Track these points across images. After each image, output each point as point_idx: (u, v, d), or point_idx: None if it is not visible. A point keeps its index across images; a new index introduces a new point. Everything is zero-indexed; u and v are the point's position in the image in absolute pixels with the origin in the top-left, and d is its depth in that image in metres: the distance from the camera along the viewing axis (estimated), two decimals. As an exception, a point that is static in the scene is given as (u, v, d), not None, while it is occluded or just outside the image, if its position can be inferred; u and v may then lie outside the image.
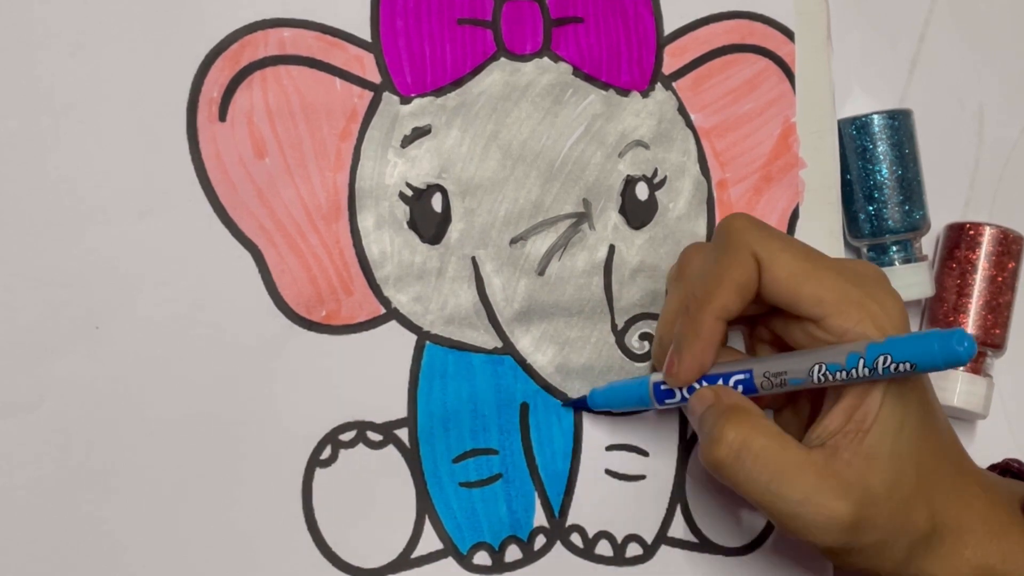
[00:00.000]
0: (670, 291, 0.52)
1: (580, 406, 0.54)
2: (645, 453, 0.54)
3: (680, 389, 0.49)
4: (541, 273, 0.53)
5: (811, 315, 0.46)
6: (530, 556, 0.53)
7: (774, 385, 0.47)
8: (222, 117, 0.49)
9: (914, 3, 0.61)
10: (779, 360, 0.47)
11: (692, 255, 0.51)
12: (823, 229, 0.56)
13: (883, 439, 0.45)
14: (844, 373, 0.45)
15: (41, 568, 0.48)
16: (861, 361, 0.44)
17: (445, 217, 0.52)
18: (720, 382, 0.48)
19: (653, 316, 0.54)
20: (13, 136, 0.47)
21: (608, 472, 0.54)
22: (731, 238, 0.47)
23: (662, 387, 0.50)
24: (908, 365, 0.43)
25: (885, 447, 0.45)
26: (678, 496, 0.55)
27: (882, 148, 0.57)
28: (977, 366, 0.58)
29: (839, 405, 0.46)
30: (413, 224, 0.52)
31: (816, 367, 0.46)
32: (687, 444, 0.55)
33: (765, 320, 0.50)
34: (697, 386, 0.49)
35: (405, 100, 0.52)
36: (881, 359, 0.44)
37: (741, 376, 0.48)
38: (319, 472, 0.51)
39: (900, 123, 0.57)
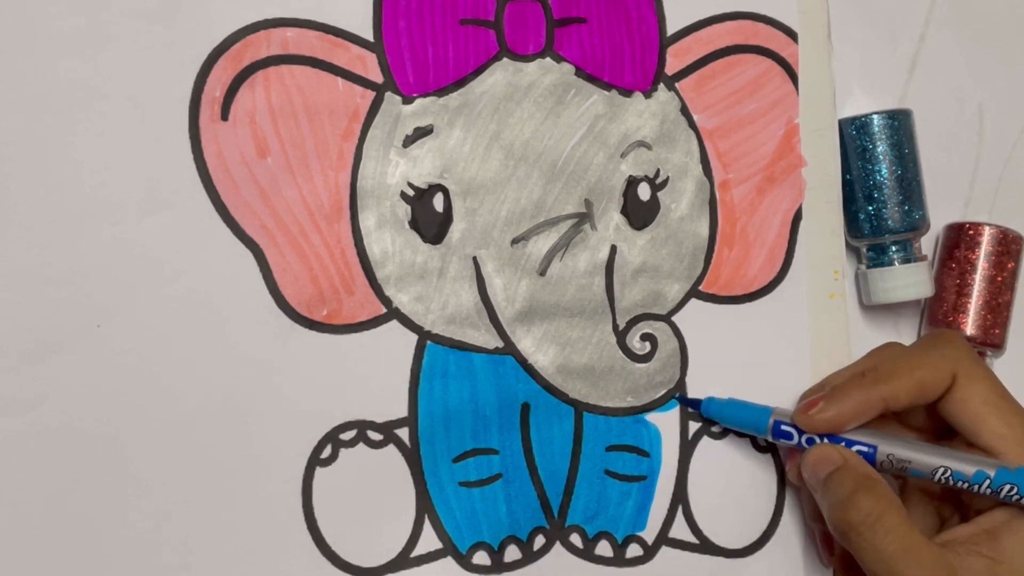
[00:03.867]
0: (858, 361, 0.55)
1: (692, 406, 0.55)
2: (646, 454, 0.54)
3: (800, 435, 0.51)
4: (542, 273, 0.53)
5: (988, 447, 0.49)
6: (529, 556, 0.53)
7: (894, 467, 0.49)
8: (224, 116, 0.49)
9: (914, 3, 0.61)
10: (906, 447, 0.49)
11: (894, 345, 0.54)
12: (824, 228, 0.56)
13: (1012, 572, 0.47)
14: (966, 484, 0.48)
15: (42, 567, 0.48)
16: (988, 481, 0.47)
17: (447, 217, 0.52)
18: (843, 445, 0.50)
19: (654, 317, 0.54)
20: (15, 135, 0.47)
21: (608, 472, 0.54)
22: (938, 347, 0.50)
23: (782, 426, 0.52)
24: None
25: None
26: (679, 497, 0.55)
27: (882, 148, 0.56)
28: (976, 366, 0.58)
29: (978, 523, 0.49)
30: (415, 224, 0.52)
31: (942, 469, 0.48)
32: (688, 445, 0.55)
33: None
34: (818, 440, 0.51)
35: (407, 100, 0.51)
36: (1007, 487, 0.47)
37: (865, 448, 0.50)
38: (319, 471, 0.51)
39: (900, 123, 0.57)
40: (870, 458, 0.50)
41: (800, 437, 0.51)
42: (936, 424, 0.53)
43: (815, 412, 0.50)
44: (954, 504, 0.52)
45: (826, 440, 0.51)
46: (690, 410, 0.55)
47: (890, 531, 0.47)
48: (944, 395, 0.50)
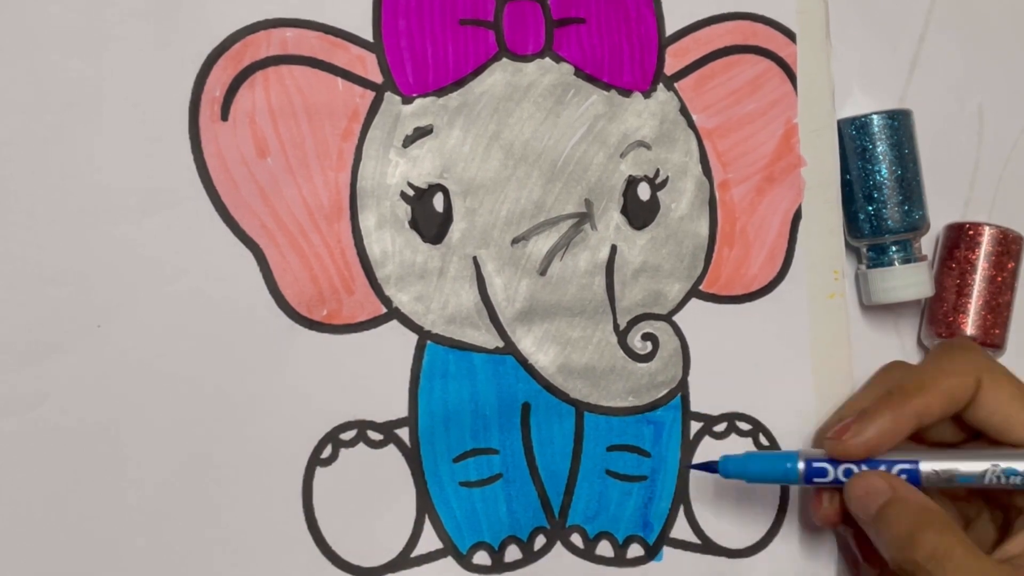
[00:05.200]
0: (869, 384, 0.54)
1: (709, 470, 0.52)
2: (647, 454, 0.54)
3: (835, 467, 0.49)
4: (543, 273, 0.53)
5: (1021, 440, 0.49)
6: (530, 556, 0.53)
7: (940, 480, 0.48)
8: (224, 117, 0.49)
9: (914, 3, 0.61)
10: (948, 457, 0.48)
11: (903, 363, 0.54)
12: (823, 227, 0.56)
13: None
14: (1020, 478, 0.47)
15: (42, 567, 0.48)
16: None
17: (447, 217, 0.52)
18: (883, 469, 0.49)
19: (655, 316, 0.54)
20: (15, 135, 0.47)
21: (609, 472, 0.54)
22: (958, 355, 0.50)
23: (814, 464, 0.50)
24: None
25: None
26: (680, 497, 0.55)
27: (882, 148, 0.56)
28: (976, 366, 0.58)
29: None
30: (414, 224, 0.52)
31: (991, 468, 0.47)
32: (689, 444, 0.55)
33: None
34: (855, 469, 0.49)
35: (407, 100, 0.52)
36: None
37: (907, 466, 0.48)
38: (319, 471, 0.51)
39: (900, 123, 0.57)
40: (914, 476, 0.48)
41: (836, 470, 0.49)
42: (957, 434, 0.52)
43: (849, 437, 0.49)
44: (978, 502, 0.52)
45: (864, 467, 0.49)
46: (708, 471, 0.52)
47: (960, 567, 0.45)
48: (972, 402, 0.49)
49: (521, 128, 0.52)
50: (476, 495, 0.53)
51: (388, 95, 0.51)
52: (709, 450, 0.55)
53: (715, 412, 0.55)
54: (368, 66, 0.51)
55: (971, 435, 0.52)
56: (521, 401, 0.53)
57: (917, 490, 0.48)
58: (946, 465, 0.48)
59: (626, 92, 0.54)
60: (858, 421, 0.49)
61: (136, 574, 0.49)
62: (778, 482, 0.52)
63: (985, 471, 0.47)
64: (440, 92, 0.52)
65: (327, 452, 0.51)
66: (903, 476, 0.48)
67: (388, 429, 0.52)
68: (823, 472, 0.50)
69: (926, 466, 0.48)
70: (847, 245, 0.58)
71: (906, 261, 0.57)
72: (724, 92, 0.55)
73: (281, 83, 0.50)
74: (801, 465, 0.50)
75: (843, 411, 0.54)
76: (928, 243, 0.60)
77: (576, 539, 0.54)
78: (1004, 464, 0.47)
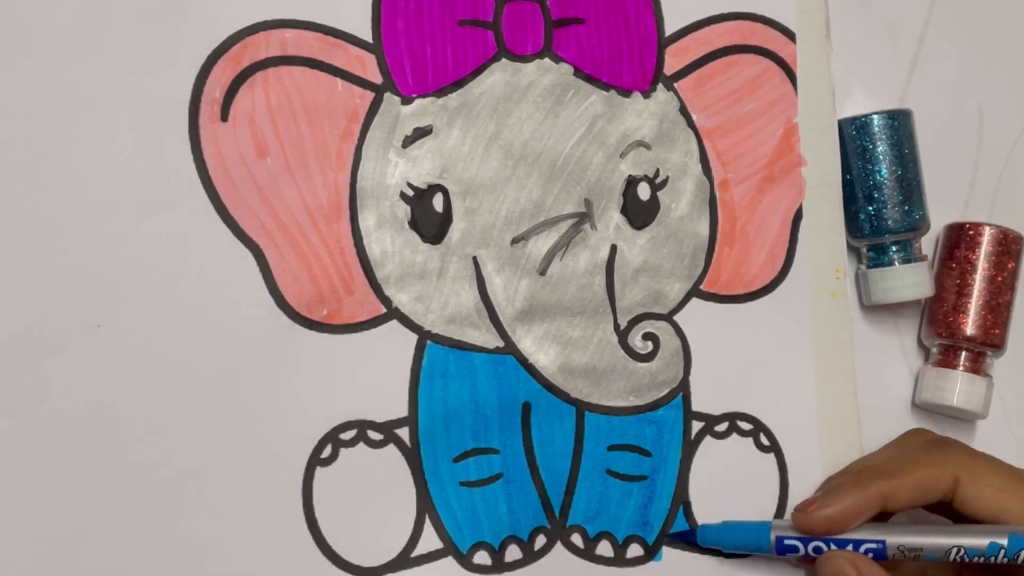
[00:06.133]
0: (855, 464, 0.55)
1: (687, 540, 0.54)
2: (647, 453, 0.54)
3: (805, 545, 0.51)
4: (543, 273, 0.53)
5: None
6: (530, 556, 0.53)
7: (906, 557, 0.50)
8: (224, 117, 0.49)
9: (914, 3, 0.61)
10: (915, 535, 0.50)
11: (909, 437, 0.55)
12: (824, 226, 0.56)
13: None
14: (982, 558, 0.48)
15: (42, 567, 0.48)
16: (1003, 551, 0.48)
17: (446, 217, 0.52)
18: (850, 548, 0.50)
19: (655, 316, 0.54)
20: (15, 135, 0.47)
21: (609, 472, 0.54)
22: (938, 449, 0.51)
23: (785, 541, 0.51)
24: None
25: None
26: (680, 497, 0.55)
27: (882, 148, 0.56)
28: (977, 366, 0.58)
29: None
30: (414, 224, 0.52)
31: (955, 549, 0.49)
32: (690, 444, 0.55)
33: None
34: (824, 547, 0.51)
35: (406, 100, 0.52)
36: None
37: (873, 545, 0.50)
38: (319, 471, 0.51)
39: (900, 123, 0.57)
40: (880, 554, 0.50)
41: (806, 547, 0.51)
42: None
43: (813, 510, 0.50)
44: None
45: (832, 546, 0.50)
46: (686, 543, 0.54)
47: None
48: (954, 496, 0.50)
49: (520, 128, 0.52)
50: (476, 495, 0.53)
51: (387, 96, 0.51)
52: (709, 450, 0.55)
53: (716, 412, 0.55)
54: (367, 67, 0.51)
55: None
56: (521, 401, 0.53)
57: (882, 572, 0.49)
58: (912, 542, 0.50)
59: (625, 92, 0.54)
60: (824, 496, 0.51)
61: (136, 573, 0.49)
62: (751, 551, 0.54)
63: (949, 550, 0.49)
64: (439, 92, 0.52)
65: (327, 452, 0.51)
66: (869, 555, 0.50)
67: (388, 429, 0.52)
68: (794, 548, 0.52)
69: (892, 542, 0.50)
70: (847, 245, 0.58)
71: (906, 261, 0.57)
72: (724, 92, 0.55)
73: (280, 84, 0.50)
74: (773, 539, 0.52)
75: (823, 484, 0.55)
76: (928, 243, 0.60)
77: (576, 539, 0.54)
78: (967, 544, 0.49)
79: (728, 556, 0.55)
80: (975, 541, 0.49)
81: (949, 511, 0.51)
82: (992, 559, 0.48)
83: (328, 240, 0.51)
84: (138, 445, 0.49)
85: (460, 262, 0.52)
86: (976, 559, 0.49)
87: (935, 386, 0.58)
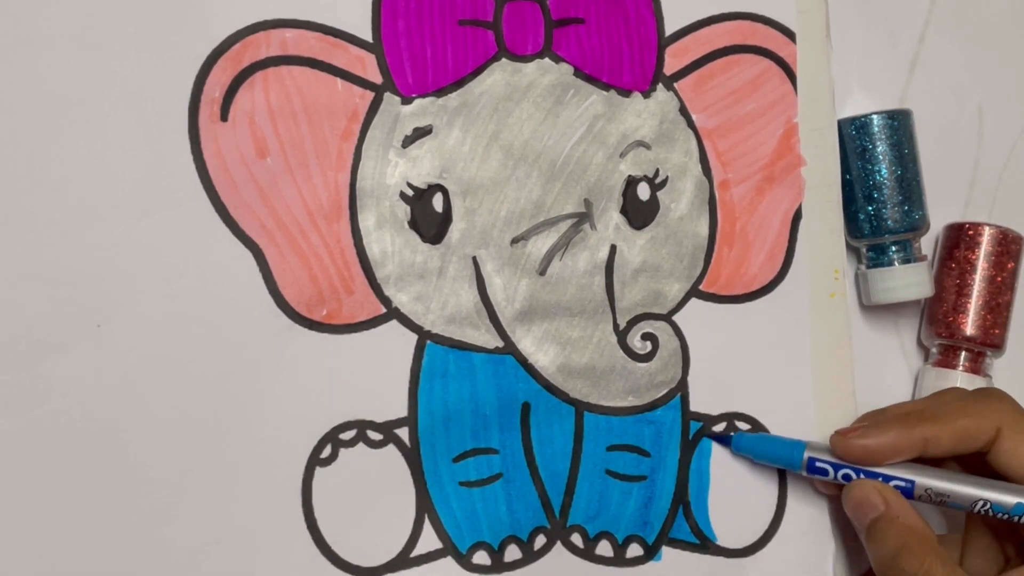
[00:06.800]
0: (911, 402, 0.55)
1: (722, 441, 0.55)
2: (647, 453, 0.54)
3: (836, 470, 0.52)
4: (542, 273, 0.53)
5: None
6: (530, 556, 0.53)
7: (932, 500, 0.50)
8: (224, 117, 0.49)
9: (914, 3, 0.61)
10: (944, 481, 0.50)
11: (954, 390, 0.55)
12: (824, 226, 0.56)
13: None
14: (1006, 516, 0.49)
15: (41, 567, 0.48)
16: None
17: (446, 217, 0.52)
18: (880, 480, 0.51)
19: (655, 316, 0.54)
20: (15, 135, 0.47)
21: (609, 472, 0.54)
22: (984, 400, 0.51)
23: (816, 463, 0.52)
24: None
25: None
26: (680, 497, 0.55)
27: (882, 148, 0.56)
28: (976, 366, 0.58)
29: None
30: (414, 224, 0.52)
31: (981, 502, 0.49)
32: (689, 444, 0.55)
33: None
34: (853, 476, 0.51)
35: (406, 100, 0.52)
36: None
37: (902, 483, 0.50)
38: (319, 471, 0.51)
39: (900, 123, 0.57)
40: (908, 492, 0.50)
41: (836, 472, 0.52)
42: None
43: (854, 437, 0.51)
44: (1018, 542, 0.52)
45: (862, 476, 0.51)
46: (720, 445, 0.55)
47: None
48: (992, 447, 0.50)
49: (520, 128, 0.52)
50: (476, 495, 0.53)
51: (387, 95, 0.51)
52: (709, 450, 0.55)
53: (715, 412, 0.55)
54: (367, 66, 0.51)
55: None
56: (521, 401, 0.53)
57: (909, 507, 0.50)
58: (940, 486, 0.50)
59: (625, 92, 0.54)
60: (867, 427, 0.51)
61: (136, 573, 0.49)
62: (781, 465, 0.54)
63: (976, 501, 0.49)
64: (439, 92, 0.52)
65: (327, 452, 0.51)
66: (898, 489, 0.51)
67: (388, 429, 0.52)
68: (823, 471, 0.52)
69: (920, 483, 0.50)
70: (847, 245, 0.58)
71: (906, 261, 0.57)
72: (724, 92, 0.55)
73: (280, 83, 0.50)
74: (805, 457, 0.53)
75: (872, 415, 0.55)
76: (928, 243, 0.60)
77: (576, 539, 0.54)
78: (995, 499, 0.49)
79: (728, 556, 0.55)
80: (1003, 498, 0.49)
81: (982, 467, 0.51)
82: (1017, 518, 0.48)
83: (328, 240, 0.51)
84: (138, 444, 0.49)
85: (460, 262, 0.52)
86: (1000, 515, 0.49)
87: (935, 386, 0.58)
